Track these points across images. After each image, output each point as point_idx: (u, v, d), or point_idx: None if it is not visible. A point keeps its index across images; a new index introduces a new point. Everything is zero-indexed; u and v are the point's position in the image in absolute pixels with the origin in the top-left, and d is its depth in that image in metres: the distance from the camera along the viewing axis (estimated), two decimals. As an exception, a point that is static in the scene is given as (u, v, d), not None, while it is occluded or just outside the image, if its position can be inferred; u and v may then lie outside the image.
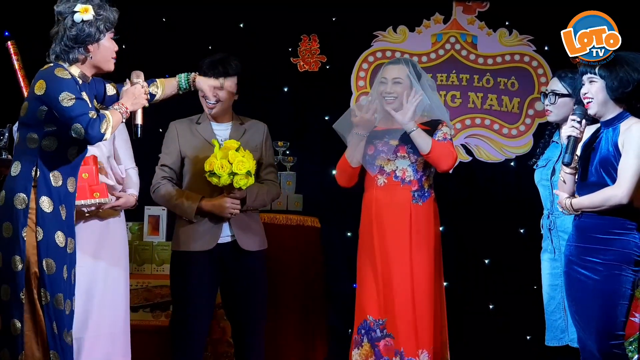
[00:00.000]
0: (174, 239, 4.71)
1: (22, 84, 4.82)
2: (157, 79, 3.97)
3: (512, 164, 6.21)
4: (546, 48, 6.13)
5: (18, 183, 3.68)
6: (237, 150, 4.39)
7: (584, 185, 3.88)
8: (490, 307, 6.17)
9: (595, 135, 3.90)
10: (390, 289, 4.71)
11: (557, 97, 4.36)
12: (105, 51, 3.78)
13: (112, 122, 3.71)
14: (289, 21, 6.24)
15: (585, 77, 3.87)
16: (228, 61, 4.61)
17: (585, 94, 3.85)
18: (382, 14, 6.24)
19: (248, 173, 4.38)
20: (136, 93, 3.87)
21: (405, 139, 4.72)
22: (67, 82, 3.65)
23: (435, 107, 4.85)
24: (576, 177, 3.92)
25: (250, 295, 4.65)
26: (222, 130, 4.68)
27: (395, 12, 6.23)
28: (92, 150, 4.25)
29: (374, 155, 4.76)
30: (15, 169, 3.70)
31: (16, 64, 4.82)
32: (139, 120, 3.87)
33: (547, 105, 4.42)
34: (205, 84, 4.07)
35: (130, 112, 3.86)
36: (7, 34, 6.01)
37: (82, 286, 4.20)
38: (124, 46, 5.61)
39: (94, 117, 3.63)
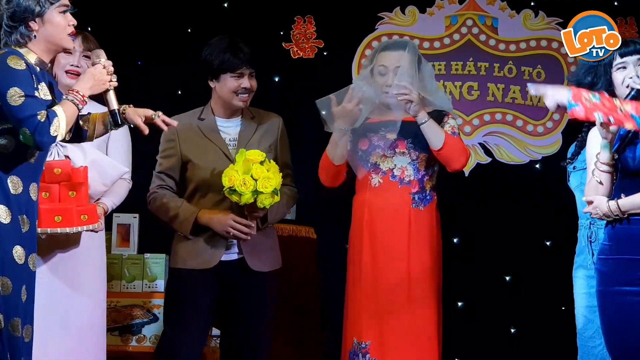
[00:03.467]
0: (171, 253, 4.71)
1: None
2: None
3: (537, 166, 6.28)
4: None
5: None
6: (261, 163, 4.37)
7: (626, 185, 3.87)
8: (512, 331, 6.21)
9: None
10: (379, 307, 4.70)
11: None
12: (53, 27, 3.76)
13: (66, 118, 3.69)
14: (280, 0, 6.32)
15: (633, 59, 3.95)
16: (245, 50, 4.63)
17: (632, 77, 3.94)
18: (388, -9, 6.34)
19: (274, 192, 4.39)
20: (96, 74, 3.82)
21: (405, 133, 4.71)
22: (19, 75, 3.64)
23: (437, 97, 4.88)
24: (614, 176, 3.92)
25: (257, 325, 4.64)
26: (230, 127, 4.63)
27: (404, -10, 6.34)
28: (75, 153, 4.28)
29: (369, 151, 4.73)
30: None
31: None
32: (113, 105, 3.84)
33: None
34: (136, 114, 3.97)
35: (102, 98, 3.84)
36: None
37: (41, 310, 4.12)
38: (89, 28, 5.71)
39: (43, 119, 3.61)
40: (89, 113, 4.05)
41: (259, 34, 6.26)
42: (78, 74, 4.34)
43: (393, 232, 4.73)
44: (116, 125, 3.95)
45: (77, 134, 4.02)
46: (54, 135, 3.65)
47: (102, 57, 3.92)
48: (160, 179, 4.68)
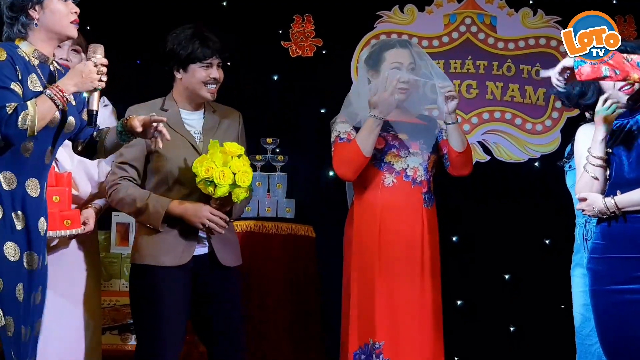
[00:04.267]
0: (135, 249, 4.58)
1: None
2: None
3: (536, 164, 6.33)
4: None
5: None
6: (239, 156, 4.37)
7: (620, 182, 3.88)
8: (511, 329, 6.26)
9: (624, 125, 3.95)
10: (394, 307, 4.70)
11: None
12: (53, 14, 3.74)
13: (38, 114, 3.63)
14: None
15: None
16: (213, 39, 4.59)
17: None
18: (387, -10, 6.41)
19: (249, 186, 4.38)
20: (84, 71, 3.75)
21: (417, 134, 4.75)
22: None
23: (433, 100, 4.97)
24: (607, 173, 3.95)
25: (232, 318, 4.60)
26: (193, 119, 4.57)
27: (403, -11, 6.38)
28: (62, 155, 4.26)
29: (384, 151, 4.74)
30: None
31: None
32: (94, 105, 3.77)
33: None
34: (136, 119, 3.99)
35: (86, 97, 3.76)
36: None
37: None
38: (88, 27, 5.64)
39: (11, 111, 3.59)
40: (108, 127, 4.04)
41: (257, 32, 6.31)
42: (67, 68, 4.27)
43: (409, 231, 4.74)
44: (90, 125, 3.92)
45: (91, 148, 4.00)
46: (22, 129, 3.61)
47: (98, 53, 3.85)
48: (122, 169, 4.57)
